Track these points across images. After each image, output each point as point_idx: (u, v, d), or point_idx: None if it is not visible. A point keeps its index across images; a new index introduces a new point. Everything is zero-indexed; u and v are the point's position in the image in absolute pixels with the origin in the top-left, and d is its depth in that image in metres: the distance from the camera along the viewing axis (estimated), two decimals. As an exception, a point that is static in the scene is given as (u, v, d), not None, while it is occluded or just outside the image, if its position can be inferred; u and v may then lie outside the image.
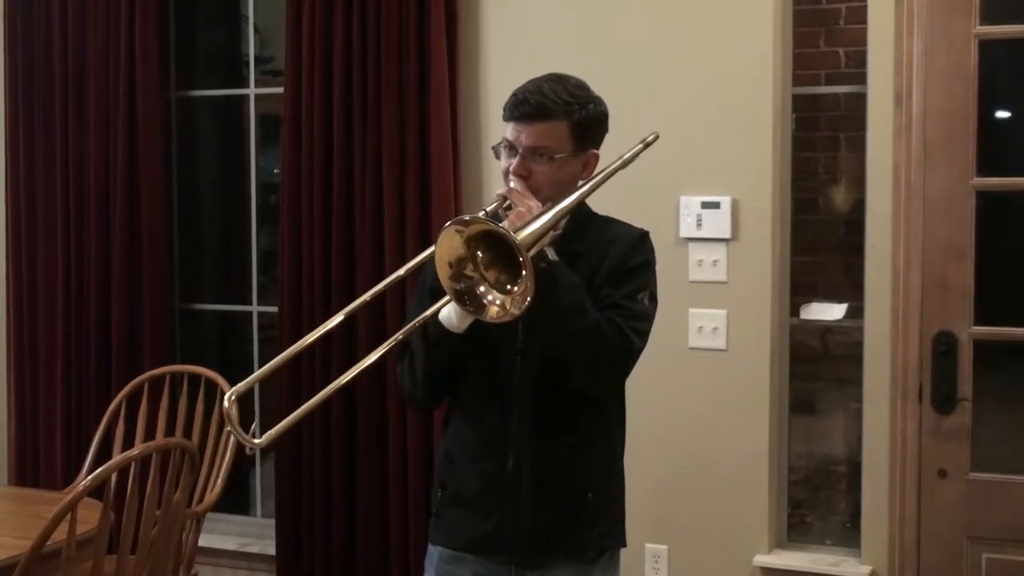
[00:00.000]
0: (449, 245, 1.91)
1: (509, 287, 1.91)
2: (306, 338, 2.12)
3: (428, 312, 2.09)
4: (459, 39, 3.61)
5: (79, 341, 4.12)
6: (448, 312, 2.09)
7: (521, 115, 2.15)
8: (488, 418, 2.22)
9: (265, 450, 4.29)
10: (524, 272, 1.86)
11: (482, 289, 1.94)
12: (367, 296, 2.17)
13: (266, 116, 4.29)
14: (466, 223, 1.91)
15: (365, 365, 2.04)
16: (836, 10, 4.36)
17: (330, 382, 2.03)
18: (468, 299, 1.94)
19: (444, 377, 2.23)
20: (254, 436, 1.91)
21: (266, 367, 2.05)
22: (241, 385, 1.96)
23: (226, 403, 1.92)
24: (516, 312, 1.90)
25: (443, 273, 1.92)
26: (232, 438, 3.51)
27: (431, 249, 1.98)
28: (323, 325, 2.11)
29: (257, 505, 4.35)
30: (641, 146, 2.37)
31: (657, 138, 2.39)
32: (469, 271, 1.93)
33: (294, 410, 2.01)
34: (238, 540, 4.16)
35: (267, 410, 4.17)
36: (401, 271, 2.14)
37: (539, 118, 2.13)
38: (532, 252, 1.98)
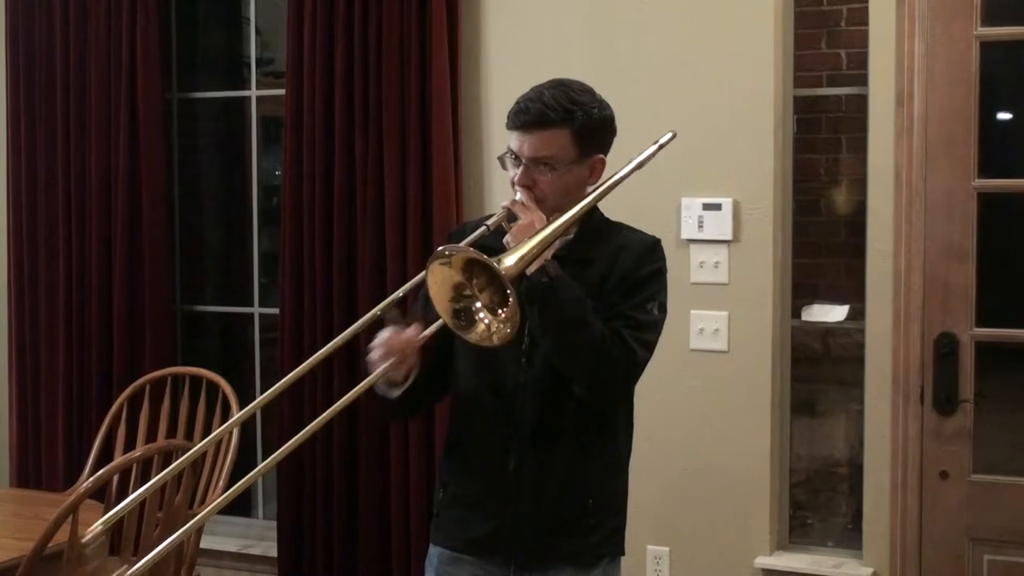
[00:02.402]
0: (440, 277, 1.90)
1: (499, 312, 1.91)
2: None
3: (360, 386, 2.03)
4: (460, 41, 3.61)
5: (80, 343, 4.12)
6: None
7: (522, 124, 2.14)
8: (491, 419, 2.22)
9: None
10: (510, 300, 1.86)
11: (477, 305, 1.93)
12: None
13: (267, 118, 4.30)
14: (448, 256, 1.90)
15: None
16: (837, 12, 4.35)
17: (332, 401, 2.01)
18: (463, 316, 1.93)
19: (416, 405, 2.27)
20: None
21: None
22: (102, 520, 1.94)
23: (88, 535, 1.90)
24: (496, 342, 1.90)
25: (440, 302, 1.91)
26: (234, 439, 3.52)
27: (420, 275, 1.97)
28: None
29: (259, 507, 4.35)
30: (655, 147, 2.34)
31: (674, 136, 2.37)
32: (467, 292, 1.93)
33: (296, 431, 1.97)
34: (240, 542, 4.16)
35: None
36: (400, 292, 2.10)
37: (540, 126, 2.12)
38: (533, 267, 1.98)
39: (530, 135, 2.13)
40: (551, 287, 2.02)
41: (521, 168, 2.15)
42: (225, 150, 4.68)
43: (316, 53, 3.71)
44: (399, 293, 2.10)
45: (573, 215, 2.10)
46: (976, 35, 3.17)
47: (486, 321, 1.92)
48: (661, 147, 2.35)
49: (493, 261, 1.87)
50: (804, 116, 4.08)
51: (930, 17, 3.19)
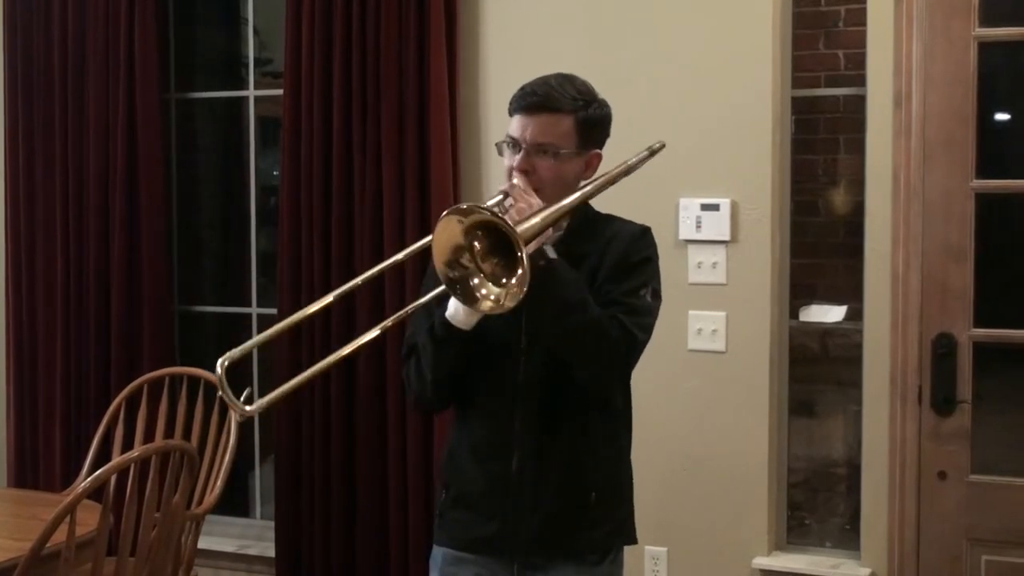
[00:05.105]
0: (449, 233, 1.90)
1: (504, 280, 1.90)
2: (303, 311, 2.14)
3: (429, 296, 2.07)
4: (458, 41, 3.61)
5: (78, 343, 4.12)
6: (455, 309, 2.08)
7: (527, 106, 2.15)
8: (492, 419, 2.22)
9: (264, 447, 4.28)
10: (521, 265, 1.85)
11: (475, 281, 1.92)
12: (359, 280, 2.17)
13: (265, 118, 4.30)
14: (466, 212, 1.89)
15: (365, 341, 2.03)
16: (835, 12, 4.35)
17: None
18: (460, 288, 1.92)
19: (452, 376, 2.21)
20: (247, 403, 1.89)
21: (261, 337, 2.06)
22: (235, 351, 1.92)
23: (218, 369, 1.86)
24: (511, 305, 1.88)
25: (440, 259, 1.91)
26: (232, 440, 3.51)
27: (430, 237, 1.96)
28: (319, 302, 2.16)
29: (256, 507, 4.35)
30: (647, 153, 2.37)
31: (663, 147, 2.40)
32: (465, 260, 1.92)
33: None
34: (237, 542, 4.16)
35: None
36: (400, 255, 2.13)
37: (545, 110, 2.14)
38: (531, 248, 1.97)
39: (535, 118, 2.14)
40: (549, 268, 2.02)
41: (521, 153, 2.15)
42: (223, 150, 4.68)
43: (314, 53, 3.71)
44: (399, 256, 2.11)
45: (576, 199, 2.11)
46: (974, 35, 3.17)
47: (491, 296, 1.90)
48: (652, 154, 2.38)
49: (509, 223, 1.87)
50: (802, 117, 4.07)
51: (928, 18, 3.19)
